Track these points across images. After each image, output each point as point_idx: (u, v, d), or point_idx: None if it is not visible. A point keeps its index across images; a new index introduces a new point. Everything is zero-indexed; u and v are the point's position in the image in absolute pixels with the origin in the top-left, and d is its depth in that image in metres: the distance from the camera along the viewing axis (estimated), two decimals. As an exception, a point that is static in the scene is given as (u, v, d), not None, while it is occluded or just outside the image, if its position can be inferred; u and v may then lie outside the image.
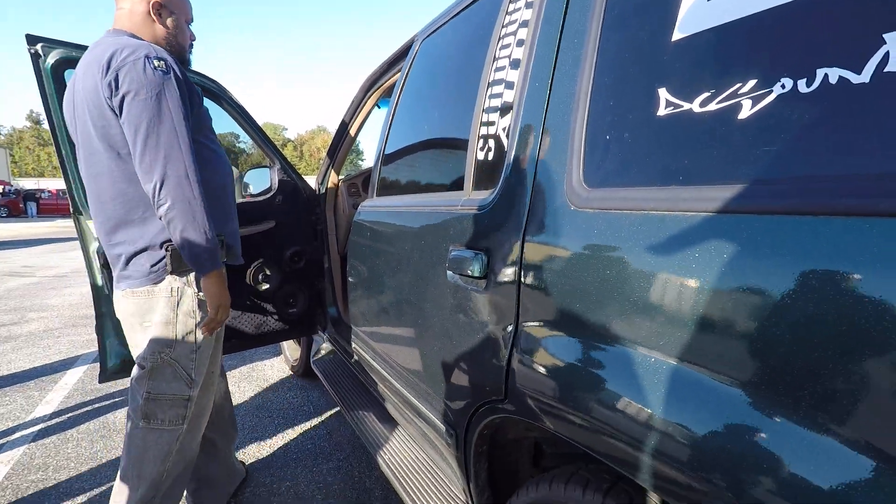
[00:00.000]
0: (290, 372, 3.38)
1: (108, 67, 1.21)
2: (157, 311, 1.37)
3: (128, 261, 1.36)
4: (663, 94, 0.69)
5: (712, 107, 0.62)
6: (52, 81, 1.90)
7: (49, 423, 2.64)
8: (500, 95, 1.07)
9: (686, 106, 0.66)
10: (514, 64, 1.04)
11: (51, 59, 1.87)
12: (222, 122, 2.46)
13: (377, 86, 2.18)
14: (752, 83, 0.58)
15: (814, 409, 0.50)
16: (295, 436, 2.50)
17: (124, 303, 1.41)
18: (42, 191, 28.74)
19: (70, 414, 2.75)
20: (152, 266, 1.35)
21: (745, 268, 0.56)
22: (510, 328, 0.92)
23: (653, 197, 0.67)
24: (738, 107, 0.59)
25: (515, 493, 1.01)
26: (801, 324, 0.50)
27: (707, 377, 0.60)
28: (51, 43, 1.88)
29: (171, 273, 1.35)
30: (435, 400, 1.23)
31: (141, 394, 1.40)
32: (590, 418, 0.73)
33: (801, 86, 0.53)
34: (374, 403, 2.10)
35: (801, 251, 0.51)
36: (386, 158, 1.65)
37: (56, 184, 41.57)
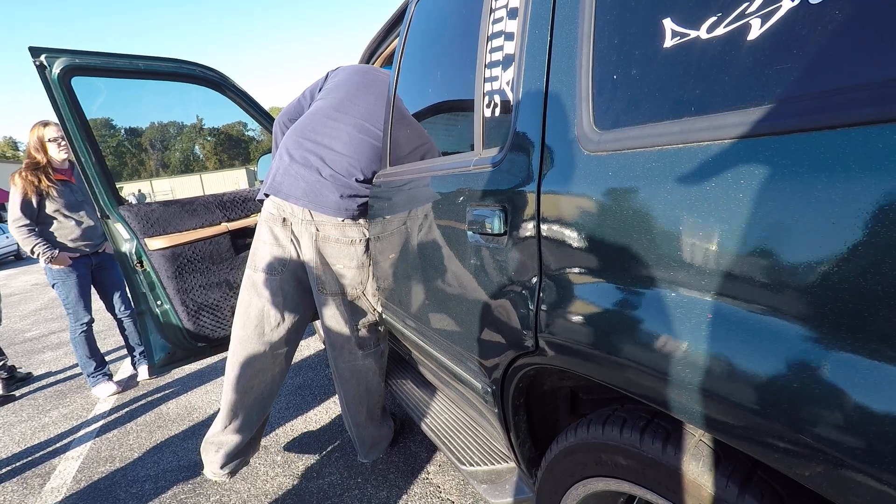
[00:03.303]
0: (325, 348, 3.48)
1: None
2: None
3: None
4: (668, 24, 0.67)
5: (720, 31, 0.60)
6: (62, 90, 1.92)
7: (109, 418, 2.79)
8: (500, 48, 1.05)
9: (693, 34, 0.64)
10: (512, 13, 1.01)
11: (56, 69, 1.89)
12: (228, 112, 2.48)
13: (378, 54, 2.15)
14: (759, 1, 0.56)
15: (846, 335, 0.49)
16: (338, 410, 2.59)
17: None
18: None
19: (126, 409, 2.90)
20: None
21: (768, 191, 0.55)
22: (534, 280, 0.93)
23: (666, 131, 0.66)
24: (746, 28, 0.57)
25: (555, 440, 1.04)
26: (829, 244, 0.50)
27: (735, 307, 0.60)
28: (54, 52, 1.90)
29: None
30: (469, 360, 1.26)
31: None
32: (620, 359, 0.74)
33: (812, -4, 0.51)
34: (410, 370, 2.16)
35: (828, 167, 0.50)
36: (396, 126, 1.64)
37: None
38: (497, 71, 1.06)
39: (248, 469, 2.13)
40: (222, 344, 2.38)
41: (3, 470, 2.37)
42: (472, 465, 1.43)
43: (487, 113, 1.09)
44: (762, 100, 0.56)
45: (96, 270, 3.06)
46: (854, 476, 0.49)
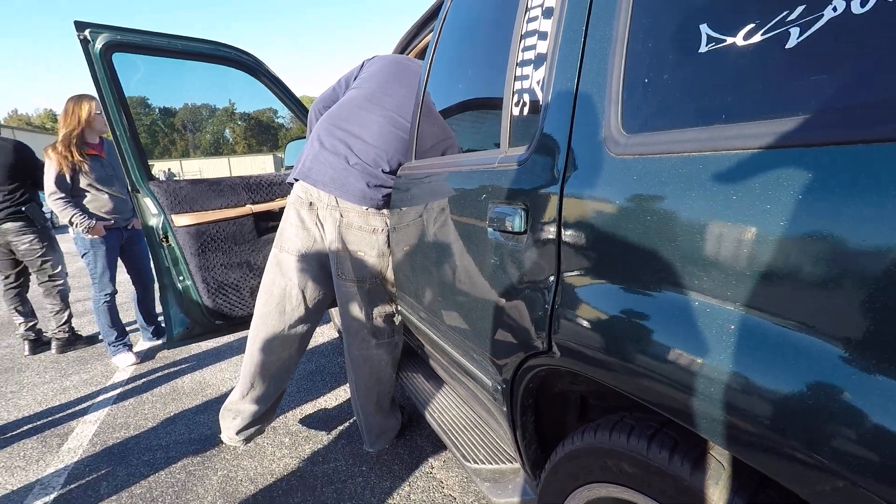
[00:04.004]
0: (339, 336, 3.52)
1: None
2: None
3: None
4: (704, 29, 0.66)
5: (757, 38, 0.59)
6: (103, 65, 1.97)
7: (126, 387, 2.87)
8: (533, 47, 1.04)
9: (729, 40, 0.63)
10: (547, 13, 1.00)
11: (99, 44, 1.95)
12: (259, 98, 2.52)
13: (411, 47, 2.16)
14: (800, 9, 0.55)
15: (874, 354, 0.48)
16: (347, 398, 2.62)
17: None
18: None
19: (143, 379, 2.98)
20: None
21: (796, 203, 0.54)
22: (552, 281, 0.93)
23: (695, 137, 0.65)
24: (785, 36, 0.56)
25: (561, 443, 1.04)
26: (862, 260, 0.48)
27: (759, 319, 0.59)
28: (98, 28, 1.95)
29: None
30: (480, 357, 1.26)
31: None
32: (633, 365, 0.73)
33: (855, 6, 0.50)
34: (421, 364, 2.17)
35: (861, 183, 0.49)
36: (422, 120, 1.65)
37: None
38: (528, 70, 1.05)
39: (255, 447, 2.17)
40: (239, 323, 2.43)
41: (25, 427, 2.47)
42: (476, 462, 1.44)
43: (516, 111, 1.09)
44: (797, 110, 0.55)
45: (126, 243, 3.19)
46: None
